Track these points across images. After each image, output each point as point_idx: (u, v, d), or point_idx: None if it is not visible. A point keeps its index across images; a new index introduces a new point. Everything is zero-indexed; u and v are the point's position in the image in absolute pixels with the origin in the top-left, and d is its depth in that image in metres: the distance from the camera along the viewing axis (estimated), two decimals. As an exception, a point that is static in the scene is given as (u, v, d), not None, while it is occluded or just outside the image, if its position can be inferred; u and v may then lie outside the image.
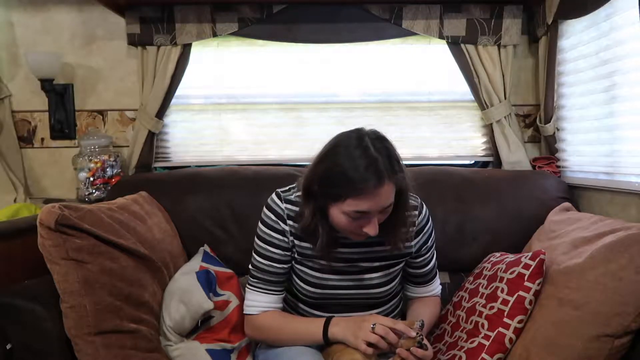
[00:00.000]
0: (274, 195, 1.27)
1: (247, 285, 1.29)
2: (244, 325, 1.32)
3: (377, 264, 1.28)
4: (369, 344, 1.10)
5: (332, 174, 1.08)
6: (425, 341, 1.10)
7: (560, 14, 1.75)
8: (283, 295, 1.31)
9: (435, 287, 1.41)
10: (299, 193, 1.21)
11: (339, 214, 1.10)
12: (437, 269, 1.41)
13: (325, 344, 1.20)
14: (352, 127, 1.15)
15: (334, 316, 1.21)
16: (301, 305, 1.33)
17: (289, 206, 1.24)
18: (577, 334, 1.06)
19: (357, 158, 1.05)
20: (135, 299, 1.20)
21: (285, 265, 1.27)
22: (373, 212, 1.09)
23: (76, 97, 2.04)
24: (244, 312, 1.29)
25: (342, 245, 1.23)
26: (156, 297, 1.30)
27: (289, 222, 1.24)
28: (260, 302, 1.27)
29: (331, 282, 1.27)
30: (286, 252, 1.26)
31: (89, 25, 2.02)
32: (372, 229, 1.10)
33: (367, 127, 1.14)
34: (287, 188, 1.29)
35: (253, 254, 1.28)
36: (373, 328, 1.10)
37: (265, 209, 1.26)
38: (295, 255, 1.26)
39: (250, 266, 1.29)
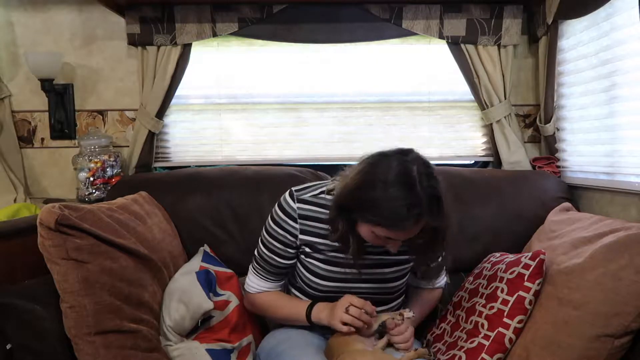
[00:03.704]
0: (287, 194, 1.28)
1: (250, 266, 1.36)
2: (244, 301, 1.42)
3: (393, 257, 1.29)
4: (345, 324, 1.17)
5: (371, 205, 1.06)
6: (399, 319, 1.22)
7: (560, 14, 1.75)
8: (282, 283, 1.37)
9: (440, 280, 1.43)
10: (316, 192, 1.26)
11: (368, 231, 1.12)
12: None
13: (310, 325, 1.28)
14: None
15: (314, 304, 1.27)
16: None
17: (302, 205, 1.25)
18: (577, 334, 1.06)
19: (400, 199, 1.02)
20: (135, 299, 1.19)
21: (286, 262, 1.30)
22: (401, 239, 1.12)
23: (76, 97, 2.04)
24: (244, 287, 1.39)
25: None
26: (156, 297, 1.30)
27: (301, 221, 1.25)
28: (258, 285, 1.35)
29: (341, 275, 1.27)
30: (289, 249, 1.28)
31: (89, 25, 2.02)
32: (394, 249, 1.15)
33: (414, 150, 1.10)
34: (302, 187, 1.30)
35: (259, 242, 1.33)
36: (347, 310, 1.17)
37: (276, 206, 1.29)
38: (306, 249, 1.28)
39: (255, 251, 1.34)
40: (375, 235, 1.10)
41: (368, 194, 1.06)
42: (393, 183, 1.03)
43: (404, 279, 1.35)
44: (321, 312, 1.25)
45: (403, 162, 1.05)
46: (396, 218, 1.03)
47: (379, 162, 1.08)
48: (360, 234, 1.14)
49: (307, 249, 1.28)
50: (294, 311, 1.30)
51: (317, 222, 1.25)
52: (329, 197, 1.22)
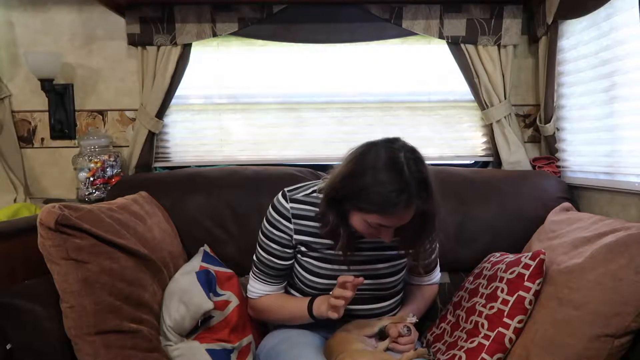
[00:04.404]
0: (279, 195, 1.30)
1: (250, 273, 1.38)
2: (247, 308, 1.42)
3: (386, 252, 1.30)
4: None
5: (362, 192, 1.08)
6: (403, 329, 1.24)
7: (560, 14, 1.75)
8: (283, 285, 1.37)
9: (434, 276, 1.46)
10: (308, 192, 1.26)
11: (360, 221, 1.13)
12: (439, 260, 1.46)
13: (314, 320, 1.28)
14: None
15: (314, 298, 1.28)
16: None
17: (295, 205, 1.27)
18: (577, 334, 1.06)
19: (390, 183, 1.05)
20: (135, 299, 1.19)
21: (285, 262, 1.31)
22: (393, 226, 1.12)
23: (76, 97, 2.04)
24: (247, 295, 1.40)
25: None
26: (156, 297, 1.30)
27: (295, 220, 1.26)
28: (260, 290, 1.37)
29: (338, 272, 1.28)
30: (286, 250, 1.29)
31: (89, 25, 2.01)
32: (387, 238, 1.15)
33: (401, 139, 1.14)
34: (294, 187, 1.31)
35: (257, 246, 1.34)
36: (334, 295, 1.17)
37: (270, 208, 1.30)
38: (302, 249, 1.29)
39: (254, 256, 1.35)
40: (367, 224, 1.11)
41: (359, 181, 1.08)
42: (382, 169, 1.06)
43: (400, 275, 1.35)
44: (321, 305, 1.25)
45: (391, 149, 1.09)
46: (387, 203, 1.05)
47: (368, 151, 1.12)
48: (352, 225, 1.15)
49: (303, 248, 1.29)
50: (297, 309, 1.31)
51: (310, 220, 1.26)
52: (321, 195, 1.22)
